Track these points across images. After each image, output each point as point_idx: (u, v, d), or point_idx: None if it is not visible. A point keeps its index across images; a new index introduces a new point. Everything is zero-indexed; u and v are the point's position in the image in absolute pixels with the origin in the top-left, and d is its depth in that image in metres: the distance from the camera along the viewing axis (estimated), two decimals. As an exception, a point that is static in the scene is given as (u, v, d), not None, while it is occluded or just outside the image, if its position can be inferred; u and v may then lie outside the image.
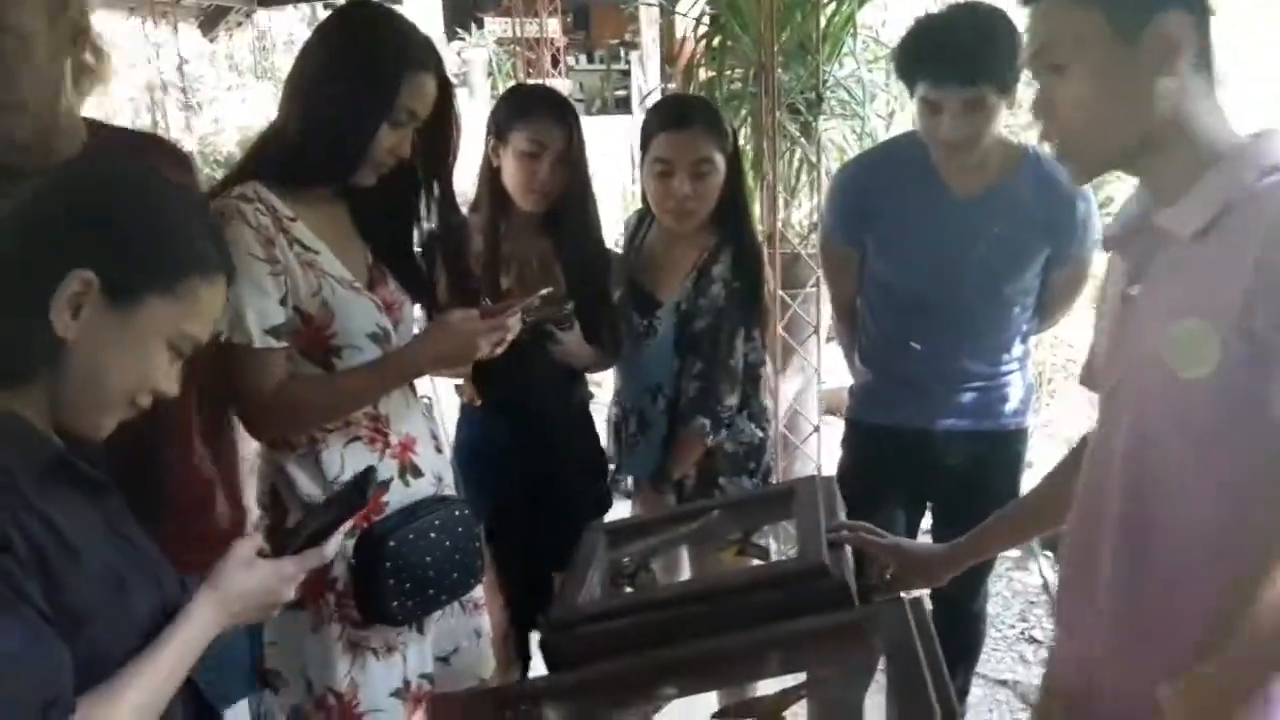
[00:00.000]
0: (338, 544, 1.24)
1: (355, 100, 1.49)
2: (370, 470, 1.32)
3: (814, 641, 1.25)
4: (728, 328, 2.11)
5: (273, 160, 1.54)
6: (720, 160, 2.06)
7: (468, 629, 1.75)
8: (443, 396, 2.27)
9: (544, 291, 1.65)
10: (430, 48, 1.56)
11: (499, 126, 2.07)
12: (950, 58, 1.90)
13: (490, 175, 2.11)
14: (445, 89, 1.58)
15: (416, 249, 1.75)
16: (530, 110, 2.05)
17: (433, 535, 1.57)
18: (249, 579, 1.11)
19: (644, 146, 2.10)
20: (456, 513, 1.63)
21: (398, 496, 1.60)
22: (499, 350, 1.61)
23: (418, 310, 1.77)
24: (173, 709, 1.02)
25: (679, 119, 2.08)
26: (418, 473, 1.64)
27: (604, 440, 2.33)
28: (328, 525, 1.23)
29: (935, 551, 1.54)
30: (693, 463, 2.17)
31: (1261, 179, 1.07)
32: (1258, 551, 1.06)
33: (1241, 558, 1.08)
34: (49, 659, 0.87)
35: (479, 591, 1.76)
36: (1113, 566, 1.19)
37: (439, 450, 1.74)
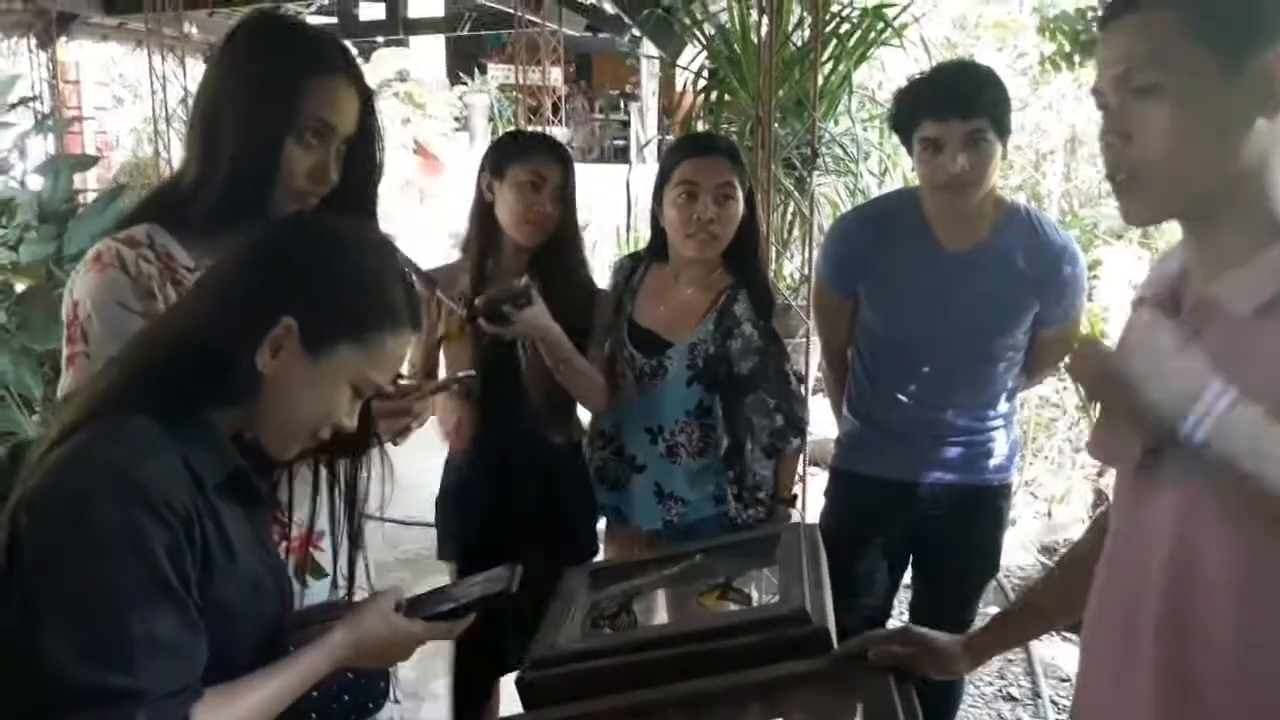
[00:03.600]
0: (465, 625, 1.27)
1: (250, 114, 1.30)
2: (520, 565, 1.30)
3: (791, 688, 1.25)
4: (776, 361, 2.16)
5: (174, 201, 1.37)
6: (739, 191, 2.10)
7: None
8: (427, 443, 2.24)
9: (462, 374, 1.50)
10: (341, 51, 1.38)
11: (496, 164, 2.13)
12: (951, 93, 1.99)
13: (482, 211, 2.16)
14: (366, 101, 1.39)
15: None
16: (530, 148, 2.15)
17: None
18: (382, 630, 1.19)
19: (664, 179, 2.13)
20: None
21: None
22: (401, 440, 1.45)
23: None
24: None
25: (704, 147, 2.18)
26: (320, 573, 1.44)
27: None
28: (464, 605, 1.26)
29: (957, 642, 1.35)
30: (795, 474, 2.27)
31: None
32: None
33: None
34: (194, 649, 0.98)
35: (387, 712, 1.48)
36: (1155, 685, 1.03)
37: (357, 547, 1.45)
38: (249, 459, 1.11)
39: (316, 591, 1.41)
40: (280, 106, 1.30)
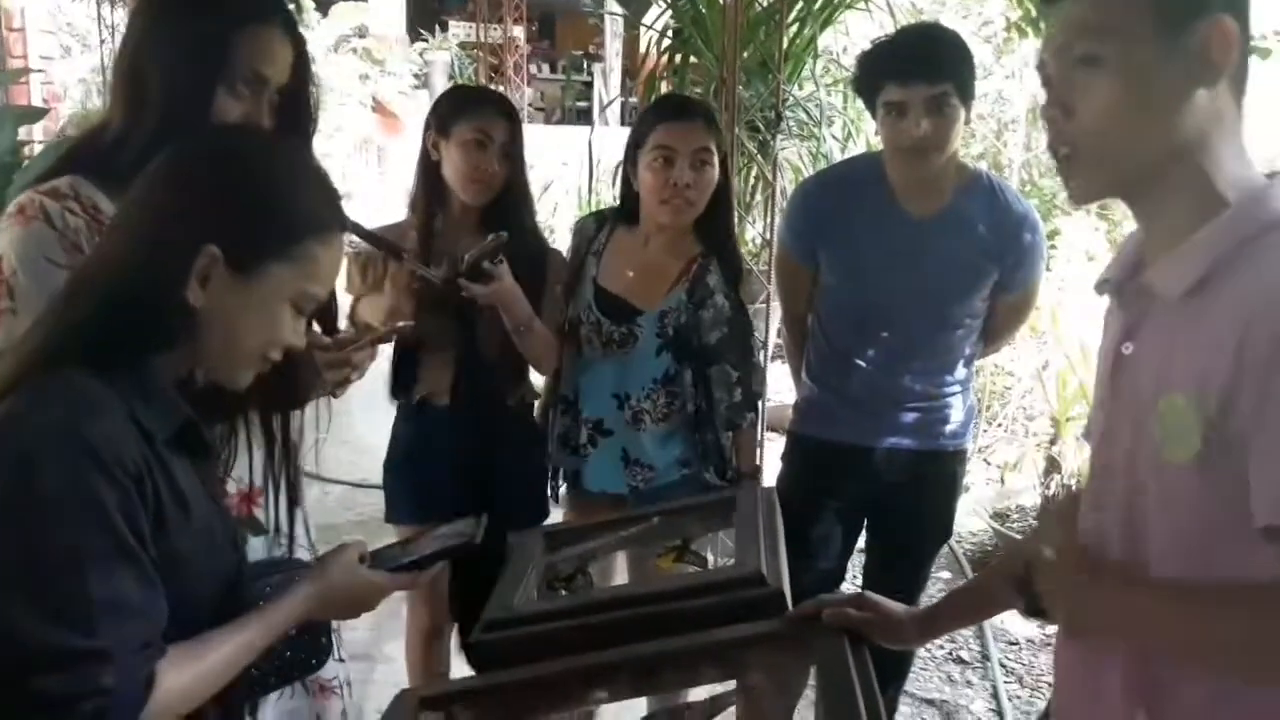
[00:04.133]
0: (431, 575, 1.28)
1: (180, 63, 1.27)
2: (485, 514, 1.32)
3: (746, 650, 1.25)
4: (742, 332, 2.17)
5: (98, 151, 1.33)
6: (716, 157, 2.08)
7: (309, 713, 1.55)
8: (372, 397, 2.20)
9: (401, 324, 1.48)
10: (276, 1, 1.38)
11: (441, 121, 2.09)
12: (916, 56, 1.98)
13: (428, 169, 2.12)
14: (300, 50, 1.38)
15: None
16: (476, 105, 2.11)
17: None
18: (347, 582, 1.19)
19: (639, 142, 2.10)
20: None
21: None
22: (340, 392, 1.44)
23: None
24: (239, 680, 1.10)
25: (681, 110, 2.13)
26: (258, 529, 1.45)
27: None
28: (430, 556, 1.27)
29: (911, 614, 1.35)
30: (755, 444, 2.30)
31: (1263, 234, 0.93)
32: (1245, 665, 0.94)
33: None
34: (154, 606, 0.97)
35: (332, 670, 1.53)
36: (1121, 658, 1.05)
37: (295, 502, 1.51)
38: (194, 407, 1.08)
39: (254, 547, 1.39)
40: (211, 56, 1.27)
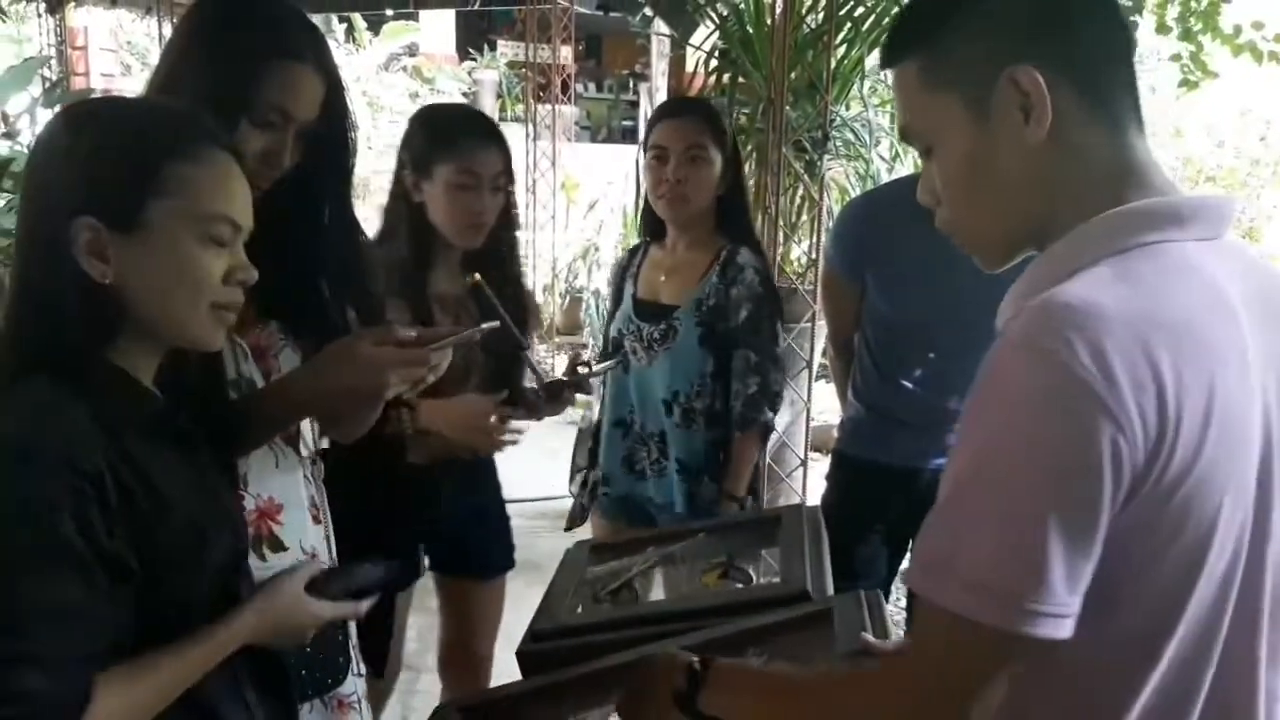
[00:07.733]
0: (371, 604, 1.25)
1: (205, 91, 1.26)
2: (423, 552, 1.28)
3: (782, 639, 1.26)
4: (768, 313, 2.15)
5: None
6: (715, 153, 2.11)
7: None
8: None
9: (485, 325, 1.38)
10: (309, 37, 1.35)
11: (419, 159, 1.93)
12: None
13: (413, 213, 1.95)
14: (334, 88, 1.36)
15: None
16: (460, 137, 1.93)
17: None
18: (291, 611, 1.15)
19: (643, 146, 2.19)
20: None
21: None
22: (417, 390, 1.32)
23: None
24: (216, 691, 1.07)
25: (675, 110, 2.23)
26: (278, 546, 1.39)
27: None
28: (369, 586, 1.24)
29: None
30: (751, 466, 2.18)
31: (1047, 288, 0.84)
32: None
33: None
34: (101, 615, 0.92)
35: (350, 685, 1.50)
36: None
37: (317, 520, 1.47)
38: (185, 396, 1.07)
39: (275, 565, 1.34)
40: (237, 89, 1.27)
